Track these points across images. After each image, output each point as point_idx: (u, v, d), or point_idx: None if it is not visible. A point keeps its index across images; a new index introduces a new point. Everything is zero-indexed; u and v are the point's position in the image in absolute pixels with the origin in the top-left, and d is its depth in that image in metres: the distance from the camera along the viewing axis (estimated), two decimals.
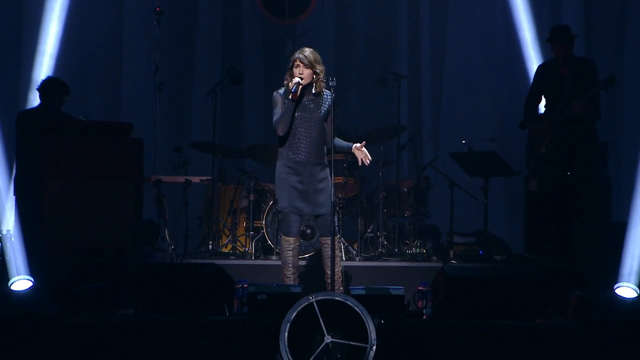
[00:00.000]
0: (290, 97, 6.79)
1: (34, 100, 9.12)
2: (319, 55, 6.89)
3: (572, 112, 8.13)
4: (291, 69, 6.88)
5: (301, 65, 6.83)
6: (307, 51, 6.87)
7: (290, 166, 6.92)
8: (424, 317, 6.70)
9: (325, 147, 6.98)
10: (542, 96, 8.64)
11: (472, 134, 9.67)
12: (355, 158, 9.02)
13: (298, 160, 6.91)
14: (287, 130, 6.85)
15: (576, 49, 8.61)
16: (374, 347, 5.86)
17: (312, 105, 6.92)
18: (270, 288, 6.68)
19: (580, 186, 8.18)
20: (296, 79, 6.78)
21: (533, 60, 10.29)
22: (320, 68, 6.88)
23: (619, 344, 6.17)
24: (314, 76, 6.85)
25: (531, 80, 9.95)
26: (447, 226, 9.02)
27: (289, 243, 6.97)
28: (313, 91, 6.90)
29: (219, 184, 9.13)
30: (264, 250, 8.82)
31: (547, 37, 8.57)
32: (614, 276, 7.14)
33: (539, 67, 8.75)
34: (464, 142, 9.05)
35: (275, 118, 6.88)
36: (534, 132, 8.45)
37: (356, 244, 8.85)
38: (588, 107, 8.12)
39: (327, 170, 6.95)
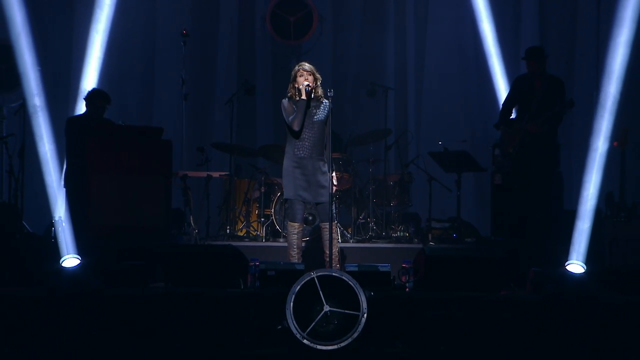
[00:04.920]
0: (304, 96, 6.83)
1: (81, 108, 9.11)
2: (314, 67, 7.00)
3: (527, 131, 8.08)
4: (294, 80, 6.91)
5: (305, 73, 6.89)
6: (306, 63, 6.97)
7: (295, 161, 6.92)
8: (407, 289, 6.71)
9: (324, 146, 6.98)
10: (516, 103, 8.52)
11: (447, 136, 9.67)
12: (350, 157, 9.12)
13: (302, 156, 6.91)
14: (301, 126, 6.86)
15: None
16: (365, 315, 5.87)
17: (315, 111, 6.93)
18: (278, 265, 6.69)
19: (538, 180, 8.16)
20: (305, 82, 6.85)
21: (498, 74, 10.24)
22: (318, 76, 6.96)
23: (569, 311, 6.19)
24: (315, 82, 6.91)
25: (496, 90, 9.90)
26: (426, 214, 9.01)
27: (294, 228, 6.98)
28: (313, 96, 6.91)
29: (235, 178, 9.13)
30: (273, 234, 8.81)
31: (522, 56, 8.37)
32: (565, 255, 7.17)
33: (516, 78, 8.58)
34: (440, 143, 9.03)
35: (289, 118, 6.89)
36: (505, 134, 8.40)
37: (350, 228, 8.85)
38: (542, 125, 8.06)
39: (326, 165, 6.95)
